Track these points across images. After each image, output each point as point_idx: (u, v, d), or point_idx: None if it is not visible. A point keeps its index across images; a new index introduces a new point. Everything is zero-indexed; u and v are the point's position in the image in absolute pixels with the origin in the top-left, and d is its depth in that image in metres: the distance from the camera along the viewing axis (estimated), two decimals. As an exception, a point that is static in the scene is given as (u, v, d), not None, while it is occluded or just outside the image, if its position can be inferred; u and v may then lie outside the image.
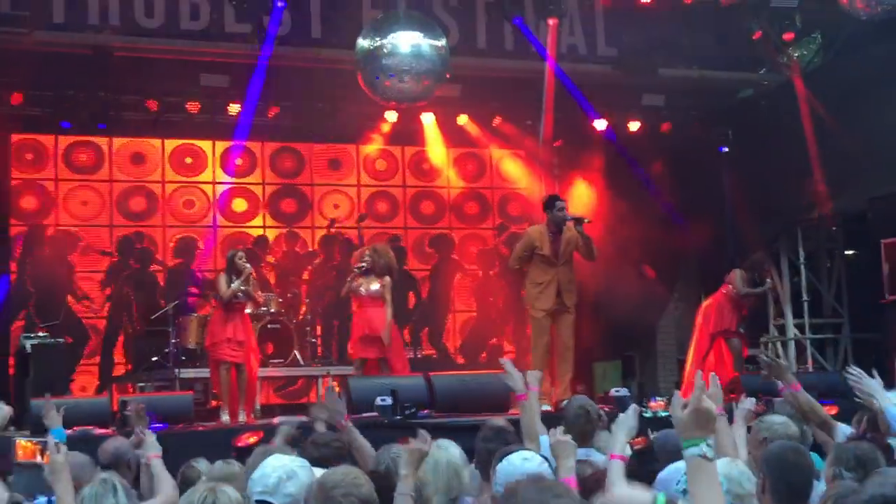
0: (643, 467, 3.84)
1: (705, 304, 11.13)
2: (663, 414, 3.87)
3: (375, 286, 10.33)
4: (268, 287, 12.92)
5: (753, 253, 11.80)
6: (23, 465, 3.77)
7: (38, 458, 3.73)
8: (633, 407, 3.90)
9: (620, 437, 3.83)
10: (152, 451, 5.45)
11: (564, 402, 9.24)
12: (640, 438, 3.78)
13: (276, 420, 8.79)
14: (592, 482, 3.87)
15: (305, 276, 14.08)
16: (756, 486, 3.87)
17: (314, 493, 3.39)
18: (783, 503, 3.80)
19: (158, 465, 5.37)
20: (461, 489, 4.87)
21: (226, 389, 10.13)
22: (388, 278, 10.42)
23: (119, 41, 11.97)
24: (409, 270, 14.65)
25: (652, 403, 3.88)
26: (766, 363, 6.23)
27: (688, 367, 10.95)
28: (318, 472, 3.81)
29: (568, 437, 3.91)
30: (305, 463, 3.87)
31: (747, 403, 5.11)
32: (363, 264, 10.27)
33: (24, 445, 3.77)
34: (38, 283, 13.00)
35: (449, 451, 5.01)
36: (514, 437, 5.42)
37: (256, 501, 3.77)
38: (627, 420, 3.86)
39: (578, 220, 9.68)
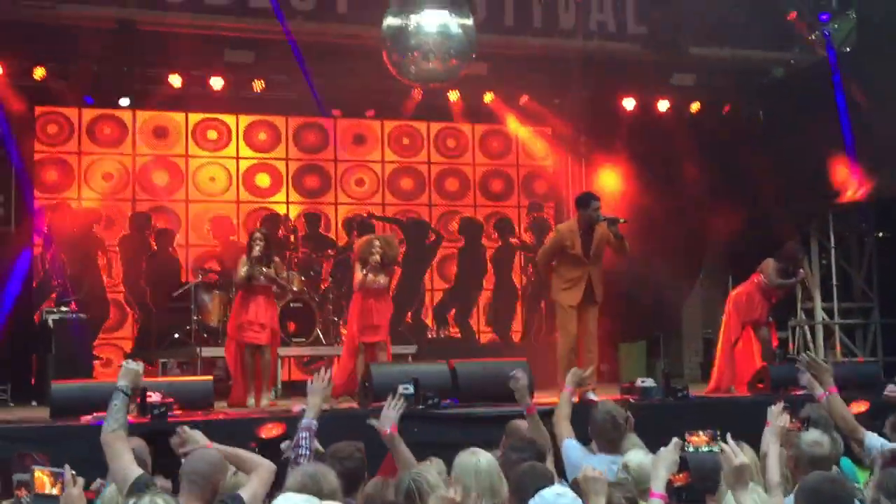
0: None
1: (735, 292, 10.96)
2: (705, 449, 3.71)
3: (383, 279, 10.30)
4: (290, 265, 12.88)
5: (786, 240, 11.59)
6: (40, 496, 3.63)
7: (52, 490, 3.60)
8: (674, 441, 3.76)
9: (661, 474, 3.69)
10: (204, 441, 5.30)
11: (589, 393, 9.14)
12: (681, 475, 3.64)
13: (295, 409, 8.70)
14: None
15: (331, 252, 14.02)
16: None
17: None
18: (821, 536, 3.67)
19: (226, 448, 5.20)
20: (503, 496, 4.77)
21: (251, 372, 10.10)
22: (392, 270, 10.46)
23: (143, 15, 11.85)
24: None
25: (693, 438, 3.72)
26: (808, 362, 6.12)
27: (717, 354, 10.81)
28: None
29: (598, 473, 3.77)
30: (316, 500, 3.75)
31: (781, 420, 4.97)
32: (377, 258, 10.15)
33: (39, 476, 3.65)
34: (69, 259, 13.01)
35: (485, 455, 4.92)
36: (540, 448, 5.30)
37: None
38: (669, 455, 3.72)
39: (613, 221, 9.46)
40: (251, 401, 9.94)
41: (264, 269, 10.07)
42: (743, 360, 10.52)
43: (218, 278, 13.02)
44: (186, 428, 5.29)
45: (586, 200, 9.73)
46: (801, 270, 11.08)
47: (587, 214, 9.55)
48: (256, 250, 10.07)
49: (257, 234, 10.34)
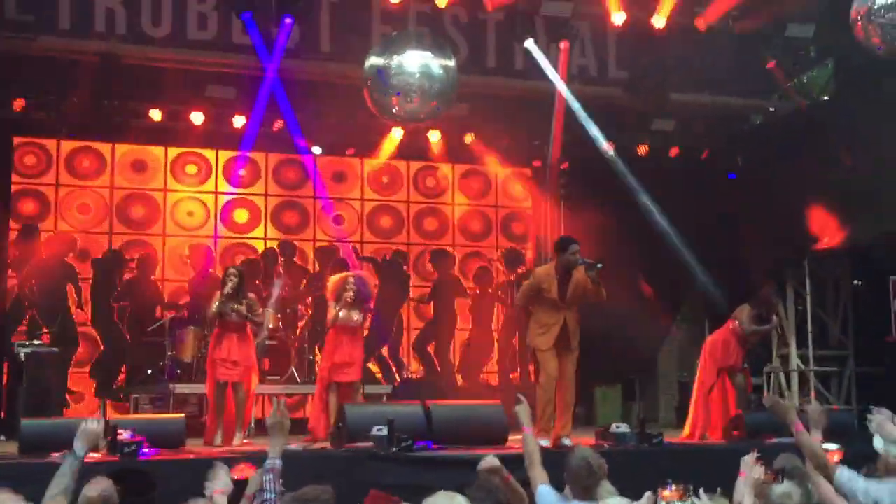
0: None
1: (711, 338, 10.95)
2: (677, 504, 3.69)
3: (358, 316, 10.22)
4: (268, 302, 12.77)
5: (761, 285, 11.59)
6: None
7: None
8: (647, 496, 3.74)
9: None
10: (221, 485, 5.16)
11: (564, 439, 9.09)
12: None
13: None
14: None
15: (303, 286, 13.90)
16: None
17: None
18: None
19: (220, 499, 5.07)
20: None
21: (220, 409, 10.01)
22: (367, 307, 10.40)
23: (126, 49, 11.80)
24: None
25: (665, 493, 3.69)
26: (770, 402, 6.11)
27: (693, 400, 10.76)
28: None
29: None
30: None
31: (755, 472, 4.95)
32: (351, 294, 10.08)
33: None
34: (39, 288, 12.81)
35: (461, 497, 4.84)
36: (504, 496, 5.23)
37: None
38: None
39: (591, 266, 9.33)
40: (218, 439, 9.83)
41: (236, 306, 10.00)
42: (718, 407, 10.49)
43: (187, 314, 12.88)
44: (226, 467, 5.22)
45: (565, 244, 9.66)
46: (775, 317, 11.08)
47: (565, 258, 9.48)
48: (228, 287, 10.03)
49: (231, 271, 10.30)
